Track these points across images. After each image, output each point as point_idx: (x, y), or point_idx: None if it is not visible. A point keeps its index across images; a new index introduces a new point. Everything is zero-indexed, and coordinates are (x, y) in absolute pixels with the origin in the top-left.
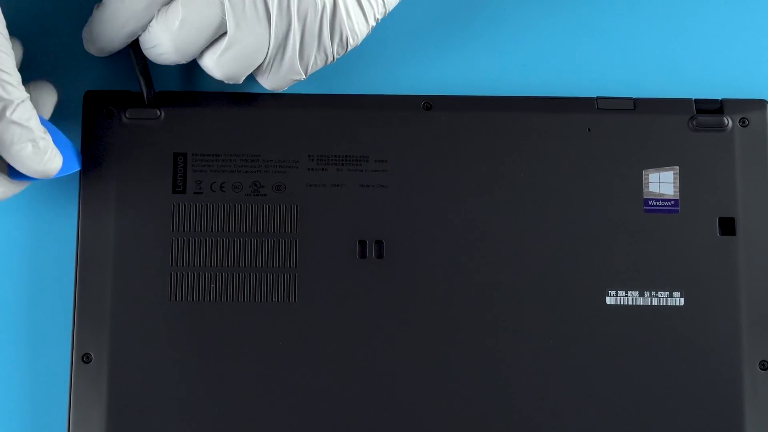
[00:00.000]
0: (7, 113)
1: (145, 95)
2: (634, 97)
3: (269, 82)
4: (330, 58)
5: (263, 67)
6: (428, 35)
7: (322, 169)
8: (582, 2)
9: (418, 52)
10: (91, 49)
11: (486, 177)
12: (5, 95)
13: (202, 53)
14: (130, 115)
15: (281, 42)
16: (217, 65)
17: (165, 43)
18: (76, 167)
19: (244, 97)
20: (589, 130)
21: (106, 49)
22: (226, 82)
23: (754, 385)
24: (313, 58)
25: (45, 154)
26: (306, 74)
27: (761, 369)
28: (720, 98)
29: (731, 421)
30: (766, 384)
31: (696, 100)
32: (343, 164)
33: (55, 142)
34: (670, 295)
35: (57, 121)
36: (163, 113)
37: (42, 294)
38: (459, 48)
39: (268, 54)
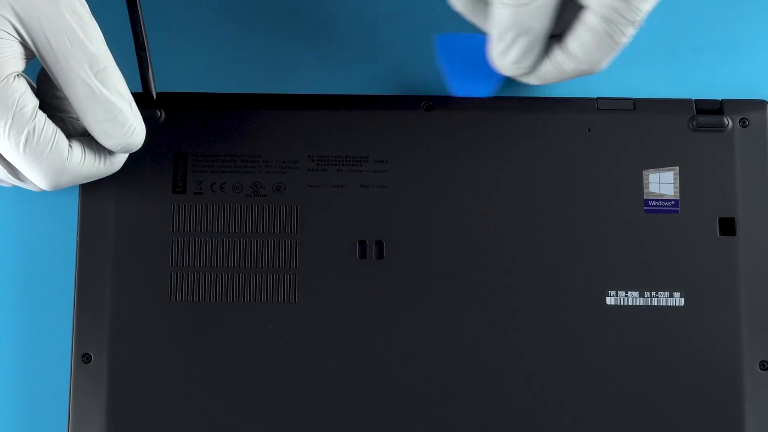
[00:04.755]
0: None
1: (146, 96)
2: (634, 97)
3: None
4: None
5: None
6: (428, 35)
7: (322, 170)
8: None
9: (418, 52)
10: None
11: (486, 177)
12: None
13: None
14: None
15: None
16: None
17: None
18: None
19: (244, 98)
20: (589, 130)
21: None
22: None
23: (754, 385)
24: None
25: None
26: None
27: (761, 369)
28: (720, 98)
29: (731, 421)
30: (766, 384)
31: (696, 100)
32: (343, 164)
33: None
34: (670, 295)
35: None
36: (163, 113)
37: (42, 294)
38: None
39: None
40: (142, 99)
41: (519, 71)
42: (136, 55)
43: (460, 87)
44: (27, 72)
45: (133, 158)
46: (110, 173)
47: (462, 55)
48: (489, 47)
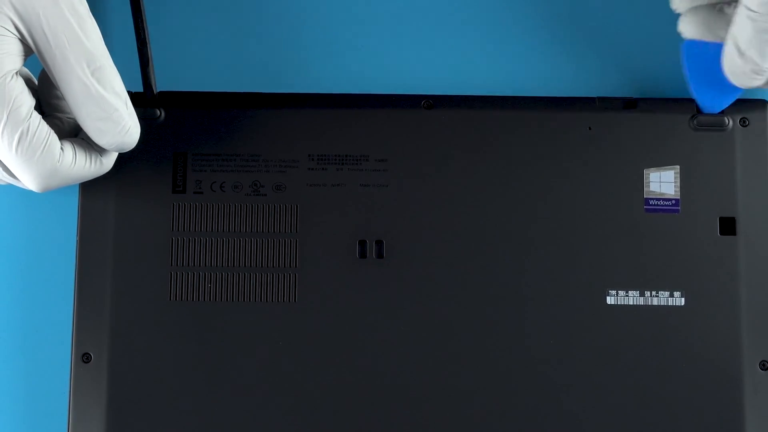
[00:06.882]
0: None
1: (146, 95)
2: (634, 96)
3: None
4: None
5: None
6: (428, 35)
7: (322, 169)
8: (582, 2)
9: (418, 52)
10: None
11: (486, 177)
12: None
13: None
14: None
15: None
16: None
17: None
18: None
19: (244, 97)
20: (589, 129)
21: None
22: None
23: (754, 385)
24: None
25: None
26: None
27: (761, 369)
28: None
29: (731, 421)
30: (766, 384)
31: None
32: (343, 164)
33: None
34: (671, 295)
35: None
36: (163, 113)
37: (41, 293)
38: (459, 48)
39: None
40: (143, 98)
41: (762, 80)
42: (137, 53)
43: (702, 94)
44: (29, 69)
45: (133, 157)
46: (100, 174)
47: (707, 64)
48: (727, 59)
